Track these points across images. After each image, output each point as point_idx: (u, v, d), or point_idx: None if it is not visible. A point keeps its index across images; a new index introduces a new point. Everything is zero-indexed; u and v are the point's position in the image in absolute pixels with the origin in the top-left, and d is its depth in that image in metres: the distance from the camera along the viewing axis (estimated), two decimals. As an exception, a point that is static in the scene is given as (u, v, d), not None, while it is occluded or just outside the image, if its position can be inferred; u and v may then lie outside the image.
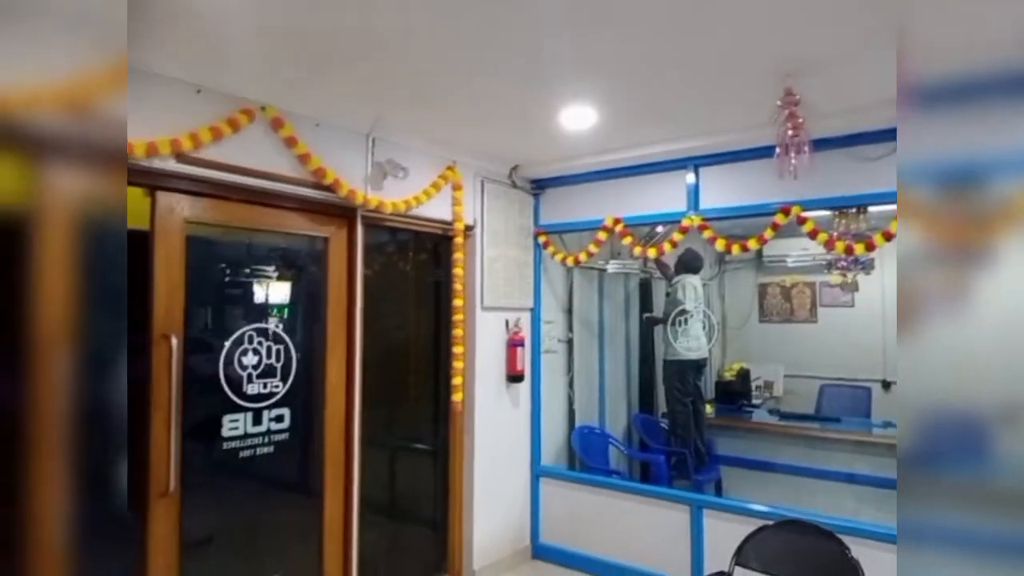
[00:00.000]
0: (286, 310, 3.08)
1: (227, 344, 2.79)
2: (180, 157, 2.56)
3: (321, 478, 3.18)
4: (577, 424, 4.75)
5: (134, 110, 2.43)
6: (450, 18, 2.12)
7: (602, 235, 4.05)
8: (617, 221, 3.97)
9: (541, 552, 4.23)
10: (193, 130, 2.58)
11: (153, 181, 2.57)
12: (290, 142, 2.92)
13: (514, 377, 4.17)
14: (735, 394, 5.86)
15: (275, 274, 3.08)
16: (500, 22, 2.14)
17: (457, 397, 3.77)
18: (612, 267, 5.25)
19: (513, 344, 4.15)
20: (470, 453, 3.92)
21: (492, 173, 4.09)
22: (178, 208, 2.66)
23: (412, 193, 3.51)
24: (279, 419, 2.98)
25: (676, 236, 3.81)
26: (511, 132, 3.46)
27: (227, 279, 2.93)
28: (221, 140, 2.68)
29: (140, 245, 2.57)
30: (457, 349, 3.79)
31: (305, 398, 3.11)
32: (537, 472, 4.31)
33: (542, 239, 4.36)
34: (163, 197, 2.62)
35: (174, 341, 2.57)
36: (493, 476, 4.01)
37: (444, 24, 2.17)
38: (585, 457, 4.50)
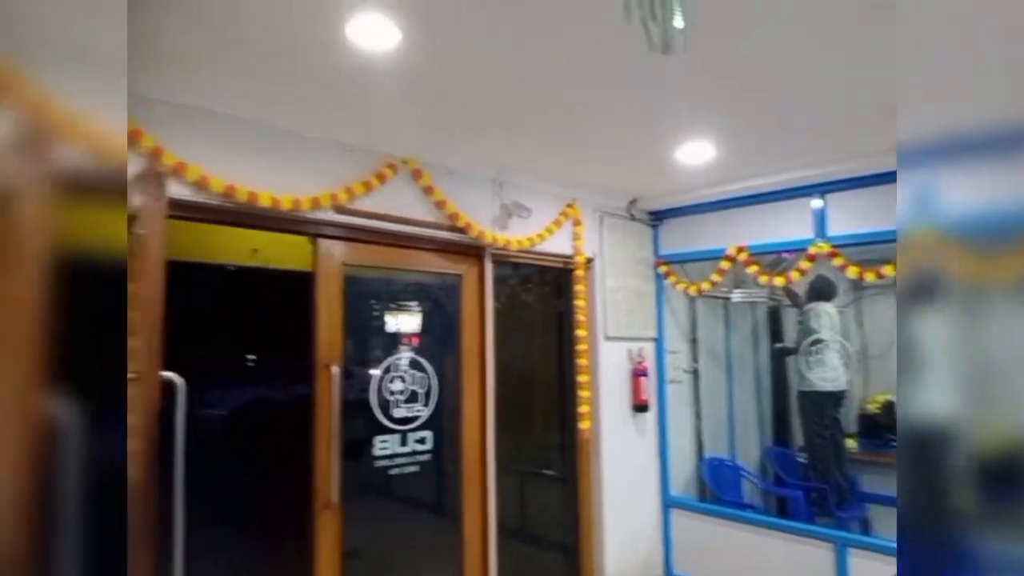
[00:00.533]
0: (426, 341, 3.37)
1: (377, 372, 3.12)
2: (337, 208, 2.95)
3: (460, 499, 3.40)
4: (706, 455, 4.67)
5: (303, 171, 2.85)
6: (574, 73, 2.32)
7: (725, 264, 4.04)
8: (740, 250, 3.96)
9: (673, 584, 4.18)
10: (348, 184, 2.96)
11: (316, 230, 2.96)
12: (428, 190, 3.25)
13: (639, 407, 4.21)
14: (880, 428, 5.46)
15: (417, 309, 3.40)
16: (623, 70, 2.31)
17: (584, 425, 3.88)
18: (737, 296, 5.16)
19: (637, 374, 4.21)
20: (598, 480, 3.99)
21: (611, 207, 4.23)
22: (336, 252, 3.04)
23: (536, 231, 3.73)
24: (422, 441, 3.25)
25: (804, 264, 3.73)
26: (629, 169, 3.60)
27: (375, 314, 3.28)
28: (370, 192, 3.05)
29: (306, 286, 2.97)
30: (582, 378, 3.91)
31: (444, 423, 3.37)
32: (667, 502, 4.28)
33: (663, 269, 4.42)
34: (324, 243, 3.00)
35: (334, 370, 2.91)
36: (622, 504, 4.05)
37: (568, 78, 2.37)
38: (717, 489, 4.41)
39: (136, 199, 1.96)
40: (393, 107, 2.67)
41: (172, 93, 2.47)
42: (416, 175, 3.22)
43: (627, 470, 4.12)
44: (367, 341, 3.29)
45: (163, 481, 1.72)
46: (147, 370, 1.74)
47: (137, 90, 2.37)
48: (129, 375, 1.84)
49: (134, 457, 1.78)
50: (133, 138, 2.37)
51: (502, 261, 3.71)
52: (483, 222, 3.48)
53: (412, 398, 3.22)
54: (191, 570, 2.00)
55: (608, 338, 4.11)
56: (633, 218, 4.36)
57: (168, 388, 1.79)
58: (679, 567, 4.18)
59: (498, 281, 3.73)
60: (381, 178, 3.08)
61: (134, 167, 2.06)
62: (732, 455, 4.99)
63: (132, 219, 1.98)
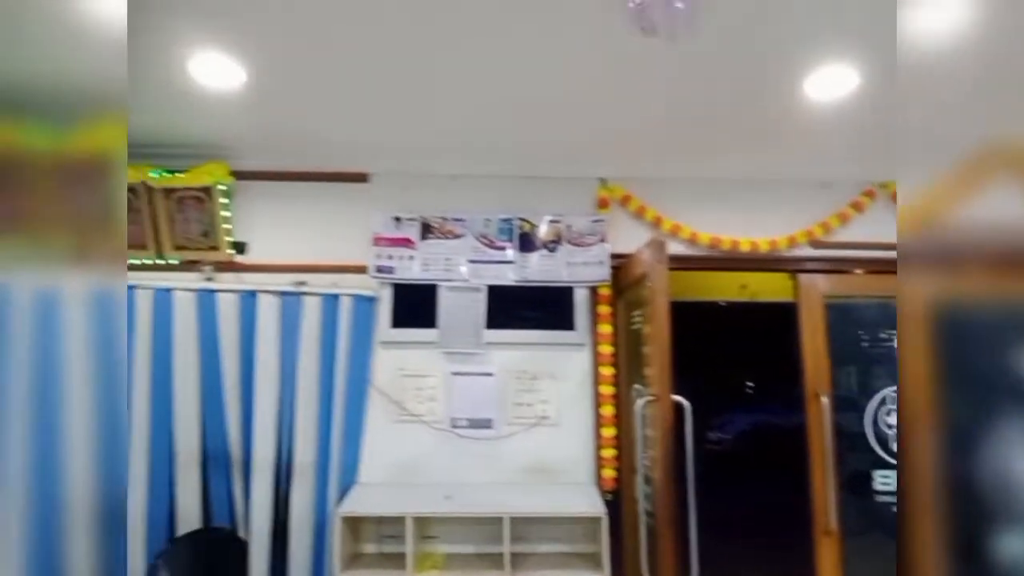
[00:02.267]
0: (928, 372, 3.10)
1: (872, 403, 3.05)
2: (814, 243, 3.07)
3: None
4: None
5: (779, 213, 3.08)
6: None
7: None
8: None
9: None
10: (823, 219, 3.06)
11: (795, 266, 3.14)
12: (915, 209, 3.05)
13: None
14: None
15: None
16: None
17: None
18: None
19: None
20: None
21: None
22: (817, 284, 3.14)
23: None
24: (932, 481, 2.99)
25: None
26: None
27: (864, 343, 3.21)
28: (847, 223, 3.06)
29: (789, 315, 3.16)
30: None
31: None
32: None
33: None
34: (803, 277, 3.15)
35: (823, 399, 3.00)
36: None
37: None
38: None
39: (645, 261, 2.57)
40: (862, 138, 2.68)
41: (666, 171, 3.07)
42: (894, 198, 3.07)
43: None
44: (859, 371, 3.24)
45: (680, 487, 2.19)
46: (661, 393, 2.25)
47: (641, 174, 3.05)
48: (648, 397, 2.41)
49: (655, 462, 2.32)
50: (640, 212, 3.05)
51: None
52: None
53: (915, 432, 3.01)
54: (704, 564, 2.41)
55: None
56: None
57: (678, 409, 2.27)
58: None
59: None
60: (858, 207, 3.07)
61: (645, 238, 2.69)
62: None
63: (643, 276, 2.60)
